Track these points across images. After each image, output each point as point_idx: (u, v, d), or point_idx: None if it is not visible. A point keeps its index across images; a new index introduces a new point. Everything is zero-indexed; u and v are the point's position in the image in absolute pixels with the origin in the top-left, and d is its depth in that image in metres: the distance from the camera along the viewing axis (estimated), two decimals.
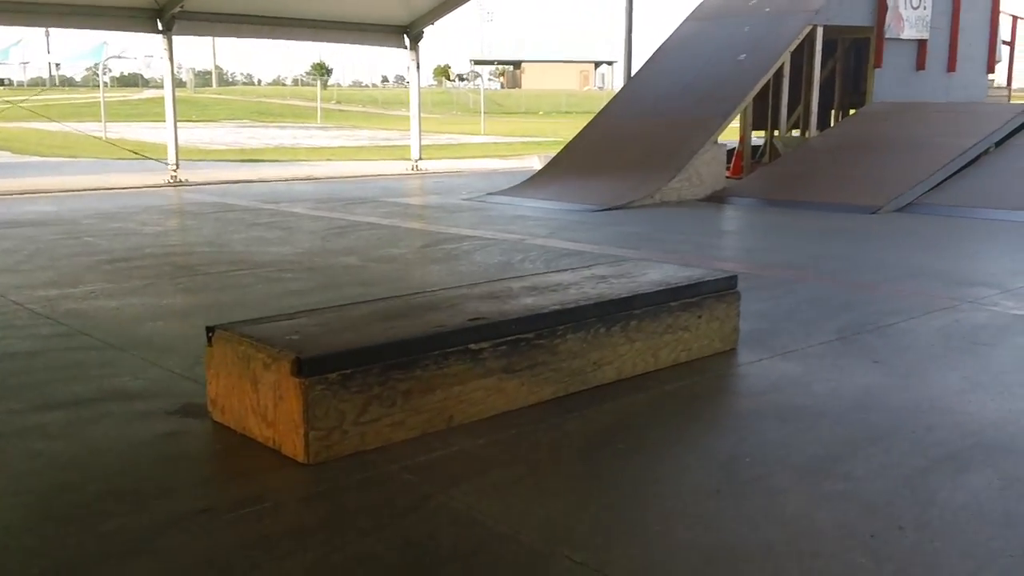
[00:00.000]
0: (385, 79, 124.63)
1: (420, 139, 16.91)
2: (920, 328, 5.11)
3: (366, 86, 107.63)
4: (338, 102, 64.41)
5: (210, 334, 3.46)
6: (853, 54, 15.84)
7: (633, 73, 16.25)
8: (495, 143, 28.65)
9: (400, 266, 7.19)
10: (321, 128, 40.96)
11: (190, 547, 2.54)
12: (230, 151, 24.49)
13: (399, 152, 20.98)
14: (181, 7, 13.13)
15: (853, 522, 2.69)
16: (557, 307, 3.85)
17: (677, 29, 14.92)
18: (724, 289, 4.54)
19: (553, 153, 14.86)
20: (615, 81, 76.07)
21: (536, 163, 16.41)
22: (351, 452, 3.16)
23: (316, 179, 15.68)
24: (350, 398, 3.15)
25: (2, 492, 2.92)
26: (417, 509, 2.79)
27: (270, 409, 3.19)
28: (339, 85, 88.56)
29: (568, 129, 14.89)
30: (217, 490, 2.98)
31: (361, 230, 9.15)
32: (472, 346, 3.49)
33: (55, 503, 2.84)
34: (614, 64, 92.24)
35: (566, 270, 4.92)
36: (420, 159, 16.76)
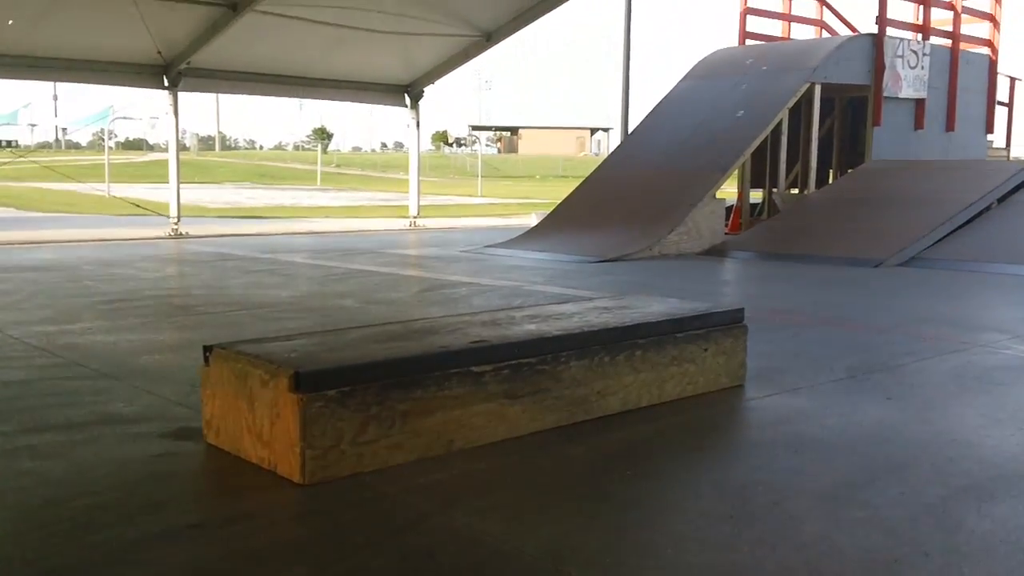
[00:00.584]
0: (384, 145, 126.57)
1: (419, 195, 16.95)
2: (932, 368, 5.01)
3: (365, 151, 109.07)
4: (338, 166, 65.17)
5: (207, 353, 3.37)
6: (851, 113, 15.95)
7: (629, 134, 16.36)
8: (492, 204, 28.83)
9: (399, 308, 7.10)
10: (321, 190, 41.28)
11: (177, 559, 2.41)
12: (231, 209, 24.58)
13: (398, 211, 21.06)
14: (187, 63, 13.26)
15: (875, 547, 2.57)
16: (560, 332, 3.75)
17: (675, 87, 15.04)
18: (731, 322, 4.44)
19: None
20: (611, 147, 76.94)
21: (534, 220, 16.41)
22: (348, 474, 3.04)
23: (315, 233, 15.70)
24: (348, 417, 3.04)
25: None
26: (415, 526, 2.67)
27: (266, 428, 3.08)
28: (339, 150, 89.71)
29: (564, 192, 14.92)
30: (208, 507, 2.87)
31: (359, 277, 9.08)
32: (474, 368, 3.39)
33: (40, 516, 2.73)
34: (610, 130, 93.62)
35: (569, 302, 4.83)
36: (418, 216, 16.78)
